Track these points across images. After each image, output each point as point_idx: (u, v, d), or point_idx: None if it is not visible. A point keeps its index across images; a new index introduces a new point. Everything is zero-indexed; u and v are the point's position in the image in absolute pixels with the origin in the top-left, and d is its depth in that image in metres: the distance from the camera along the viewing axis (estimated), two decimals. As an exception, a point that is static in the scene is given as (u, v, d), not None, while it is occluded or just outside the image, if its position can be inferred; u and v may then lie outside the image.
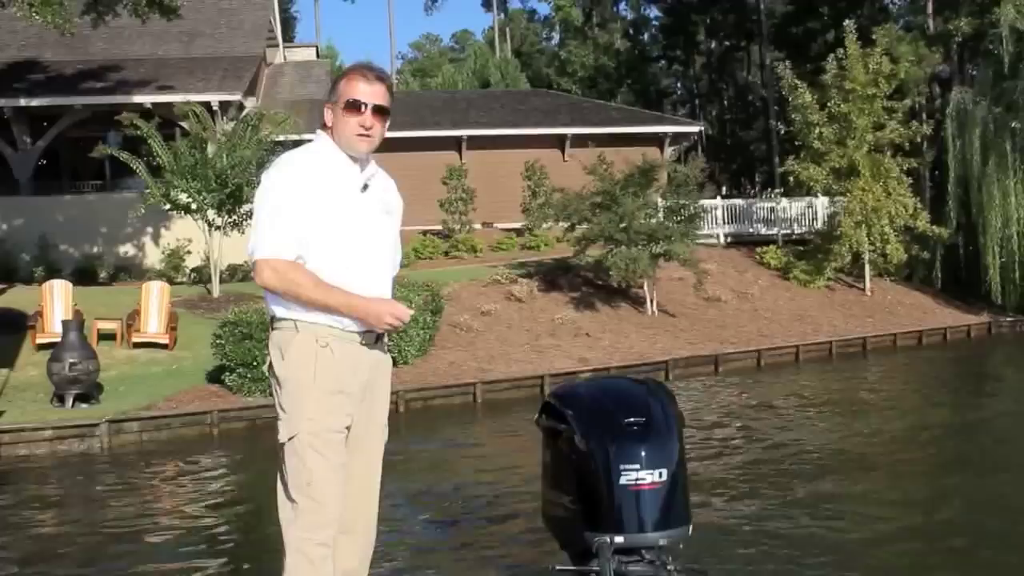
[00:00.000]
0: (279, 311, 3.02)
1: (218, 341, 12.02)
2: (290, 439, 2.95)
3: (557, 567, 3.29)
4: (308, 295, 2.93)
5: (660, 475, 3.14)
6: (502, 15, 65.10)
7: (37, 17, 16.78)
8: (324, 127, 3.10)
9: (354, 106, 3.00)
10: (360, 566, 3.20)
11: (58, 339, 11.74)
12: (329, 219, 2.96)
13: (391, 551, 5.60)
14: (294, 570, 2.95)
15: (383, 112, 3.05)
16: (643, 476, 3.12)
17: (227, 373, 12.03)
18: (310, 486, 2.92)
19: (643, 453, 3.14)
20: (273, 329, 3.07)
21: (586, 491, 3.16)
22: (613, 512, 3.11)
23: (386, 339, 3.20)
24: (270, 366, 3.06)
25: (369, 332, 3.07)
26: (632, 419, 3.21)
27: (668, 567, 3.17)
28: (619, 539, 3.09)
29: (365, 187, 3.09)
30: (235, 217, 17.33)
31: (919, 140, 25.25)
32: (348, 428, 3.02)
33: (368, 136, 3.03)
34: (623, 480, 3.10)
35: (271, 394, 3.13)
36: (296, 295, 2.95)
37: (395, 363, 3.25)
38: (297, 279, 2.93)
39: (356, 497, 3.11)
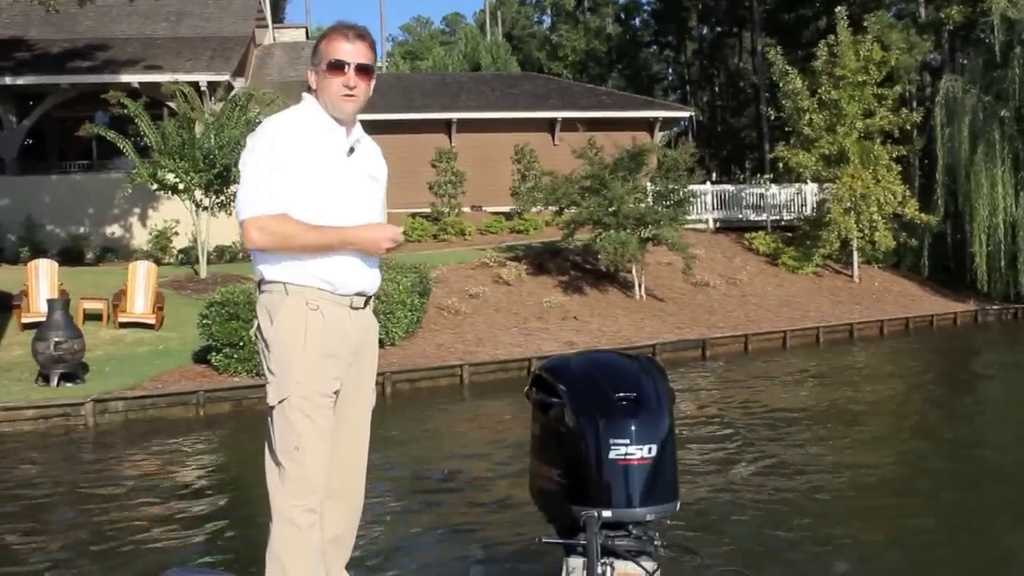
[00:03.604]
0: (268, 273, 2.98)
1: (204, 321, 11.96)
2: (279, 403, 2.91)
3: (544, 540, 3.28)
4: (301, 242, 2.90)
5: (649, 450, 3.13)
6: (493, -2, 64.79)
7: (23, -7, 16.60)
8: (309, 90, 3.05)
9: (337, 66, 2.95)
10: (347, 532, 3.19)
11: (43, 318, 11.66)
12: (313, 181, 2.92)
13: (376, 528, 5.59)
14: (281, 537, 2.93)
15: (367, 70, 2.99)
16: (632, 451, 3.10)
17: (213, 353, 11.98)
18: (298, 451, 2.90)
19: (633, 428, 3.12)
20: (261, 292, 3.02)
21: (575, 465, 3.15)
22: (601, 486, 3.09)
23: (373, 304, 3.17)
24: (258, 329, 3.01)
25: (359, 295, 3.04)
26: (623, 394, 3.19)
27: (655, 542, 3.16)
28: (607, 513, 3.07)
29: (351, 151, 3.05)
30: (223, 198, 17.25)
31: (909, 128, 25.33)
32: (336, 393, 2.99)
33: (353, 96, 2.98)
34: (612, 455, 3.08)
35: (260, 373, 3.10)
36: (289, 247, 2.91)
37: (382, 344, 3.23)
38: (285, 230, 2.88)
39: (343, 463, 3.08)
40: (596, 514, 3.07)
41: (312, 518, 2.93)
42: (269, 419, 2.97)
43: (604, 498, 3.09)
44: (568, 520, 3.20)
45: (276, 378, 2.94)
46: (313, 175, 2.92)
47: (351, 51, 2.96)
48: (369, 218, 3.04)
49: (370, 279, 3.08)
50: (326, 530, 3.03)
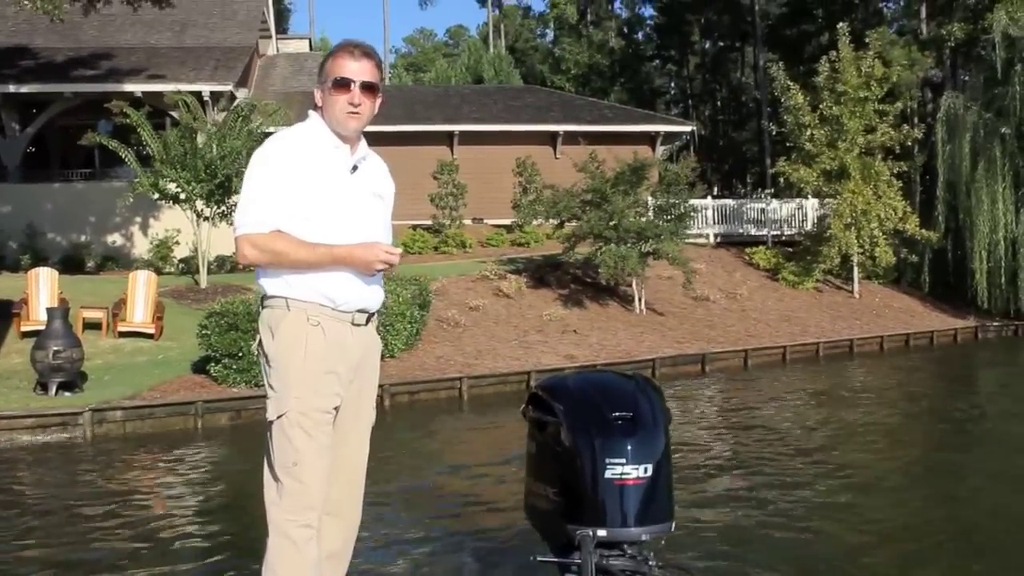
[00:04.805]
0: (270, 288, 2.99)
1: (204, 332, 11.95)
2: (278, 418, 2.92)
3: (538, 558, 3.28)
4: (292, 259, 2.91)
5: (645, 470, 3.13)
6: (497, 11, 64.98)
7: (27, 3, 16.67)
8: (316, 108, 3.07)
9: (342, 84, 2.97)
10: (344, 549, 3.19)
11: (43, 327, 11.66)
12: (315, 199, 2.93)
13: (372, 541, 5.58)
14: (277, 552, 2.93)
15: (372, 89, 3.01)
16: (628, 471, 3.11)
17: (212, 364, 11.97)
18: (296, 466, 2.90)
19: (629, 448, 3.13)
20: (263, 307, 3.03)
21: (570, 484, 3.15)
22: (597, 505, 3.10)
23: (376, 321, 3.18)
24: (259, 344, 3.02)
25: (360, 312, 3.04)
26: (619, 413, 3.20)
27: (650, 562, 3.17)
28: (601, 533, 3.08)
29: (354, 169, 3.06)
30: (224, 208, 17.26)
31: (910, 144, 25.35)
32: (336, 409, 2.99)
33: (357, 113, 2.99)
34: (608, 474, 3.09)
35: (259, 384, 3.11)
36: (281, 263, 2.93)
37: (381, 356, 3.24)
38: (277, 248, 2.90)
39: (342, 480, 3.09)
40: (591, 533, 3.07)
41: (309, 533, 2.93)
42: (268, 434, 2.97)
43: (599, 517, 3.09)
44: (563, 539, 3.20)
45: (276, 393, 2.94)
46: (315, 192, 2.93)
47: (356, 69, 2.98)
48: (372, 236, 3.03)
49: (372, 296, 3.08)
50: (324, 546, 3.03)
